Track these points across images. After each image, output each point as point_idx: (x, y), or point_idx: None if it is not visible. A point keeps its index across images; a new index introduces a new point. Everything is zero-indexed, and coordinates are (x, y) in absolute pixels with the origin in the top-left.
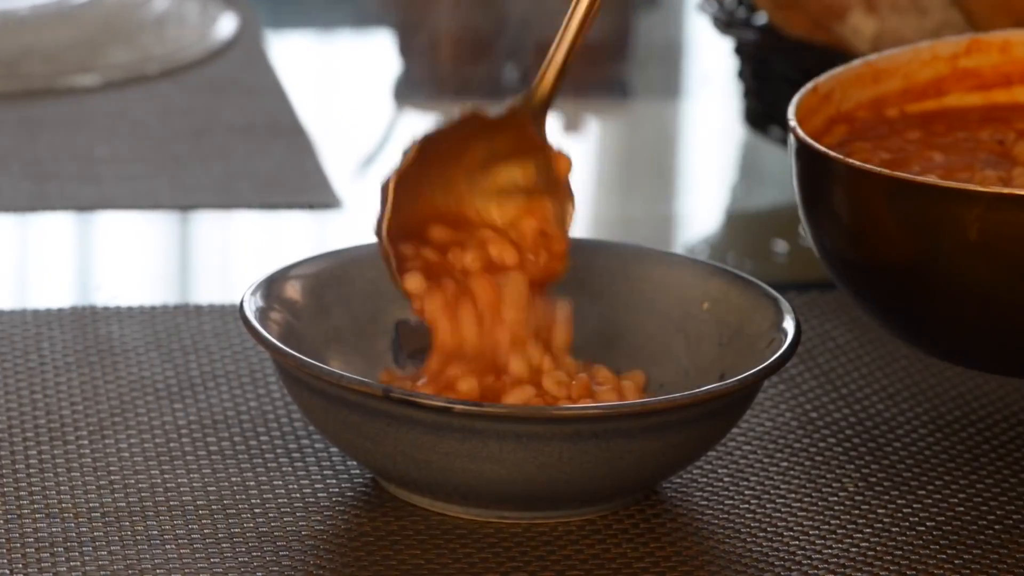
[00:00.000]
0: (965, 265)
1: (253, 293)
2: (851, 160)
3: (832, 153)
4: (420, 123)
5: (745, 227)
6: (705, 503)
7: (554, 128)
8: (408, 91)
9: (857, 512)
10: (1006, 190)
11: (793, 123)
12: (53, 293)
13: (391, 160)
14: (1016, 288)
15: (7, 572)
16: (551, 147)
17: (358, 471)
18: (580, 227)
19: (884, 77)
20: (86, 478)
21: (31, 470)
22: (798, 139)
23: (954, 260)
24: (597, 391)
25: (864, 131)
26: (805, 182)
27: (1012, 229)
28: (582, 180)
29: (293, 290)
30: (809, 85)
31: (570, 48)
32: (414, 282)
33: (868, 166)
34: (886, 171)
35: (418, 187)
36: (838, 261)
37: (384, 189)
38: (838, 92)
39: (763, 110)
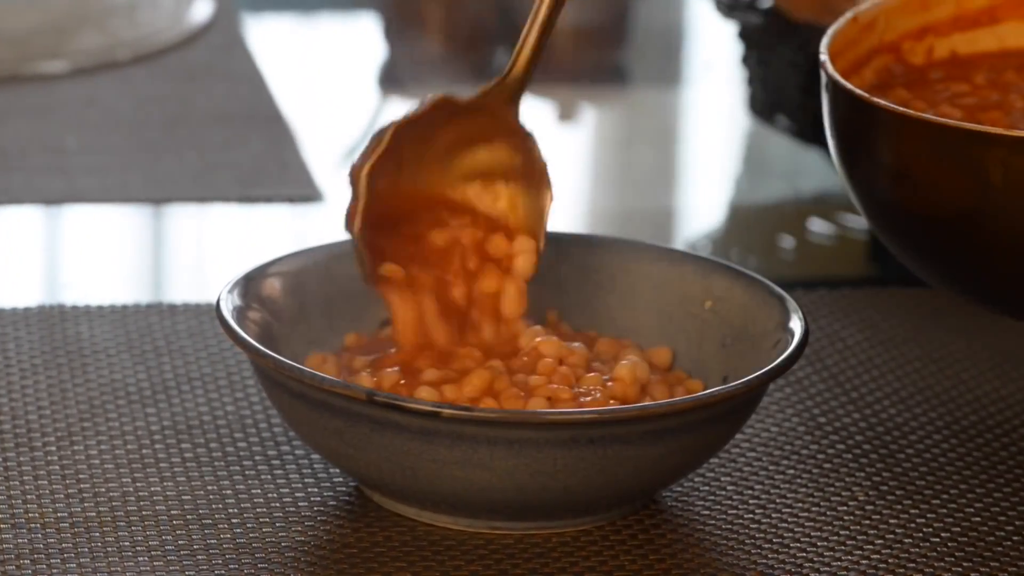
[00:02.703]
0: (1011, 210)
1: (230, 291)
2: (896, 107)
3: (878, 101)
4: (406, 111)
5: (749, 221)
6: (707, 512)
7: (535, 114)
8: (394, 78)
9: (868, 522)
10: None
11: (825, 58)
12: (19, 291)
13: (359, 148)
14: None
15: None
16: (526, 132)
17: (341, 479)
18: (575, 221)
19: (933, 3)
20: (54, 486)
21: None
22: (831, 80)
23: (999, 205)
24: (598, 367)
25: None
26: (839, 123)
27: None
28: (577, 172)
29: (272, 288)
30: (848, 15)
31: (543, 28)
32: (391, 270)
33: (912, 112)
34: (930, 116)
35: (390, 176)
36: (876, 205)
37: (354, 179)
38: (882, 21)
39: (768, 98)
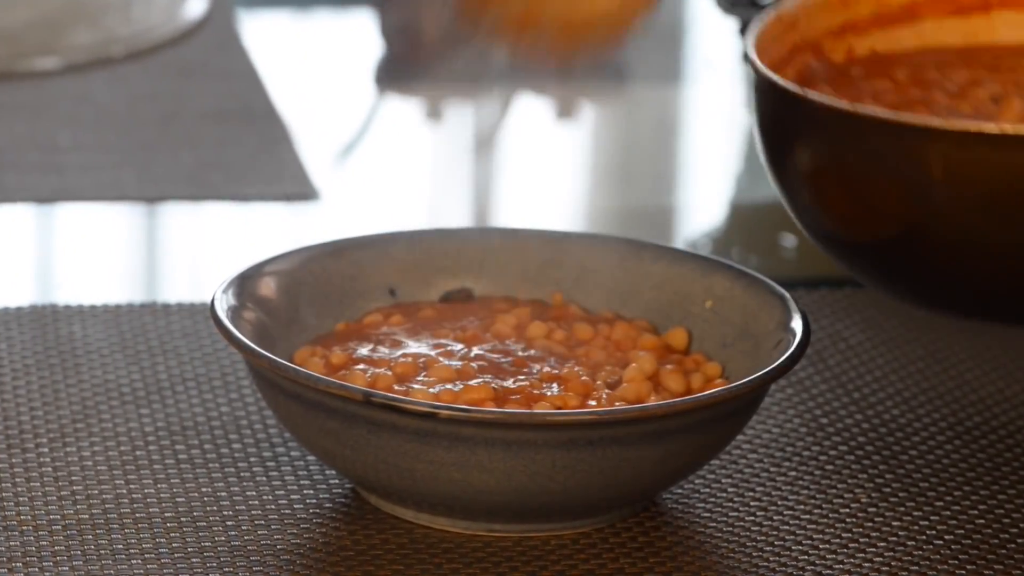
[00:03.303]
0: (954, 207)
1: (225, 291)
2: (831, 101)
3: (812, 94)
4: (403, 109)
5: (750, 220)
6: (708, 515)
7: (532, 112)
8: (390, 75)
9: (870, 525)
10: (973, 127)
11: (753, 55)
12: (11, 291)
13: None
14: (986, 230)
15: None
16: None
17: (337, 481)
18: (574, 220)
19: (853, 1)
20: (46, 488)
21: None
22: (759, 74)
23: (941, 202)
24: (609, 370)
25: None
26: (767, 120)
27: (979, 168)
28: (576, 170)
29: (267, 288)
30: (772, 12)
31: None
32: None
33: (847, 105)
34: (866, 110)
35: None
36: (808, 206)
37: None
38: (803, 19)
39: None
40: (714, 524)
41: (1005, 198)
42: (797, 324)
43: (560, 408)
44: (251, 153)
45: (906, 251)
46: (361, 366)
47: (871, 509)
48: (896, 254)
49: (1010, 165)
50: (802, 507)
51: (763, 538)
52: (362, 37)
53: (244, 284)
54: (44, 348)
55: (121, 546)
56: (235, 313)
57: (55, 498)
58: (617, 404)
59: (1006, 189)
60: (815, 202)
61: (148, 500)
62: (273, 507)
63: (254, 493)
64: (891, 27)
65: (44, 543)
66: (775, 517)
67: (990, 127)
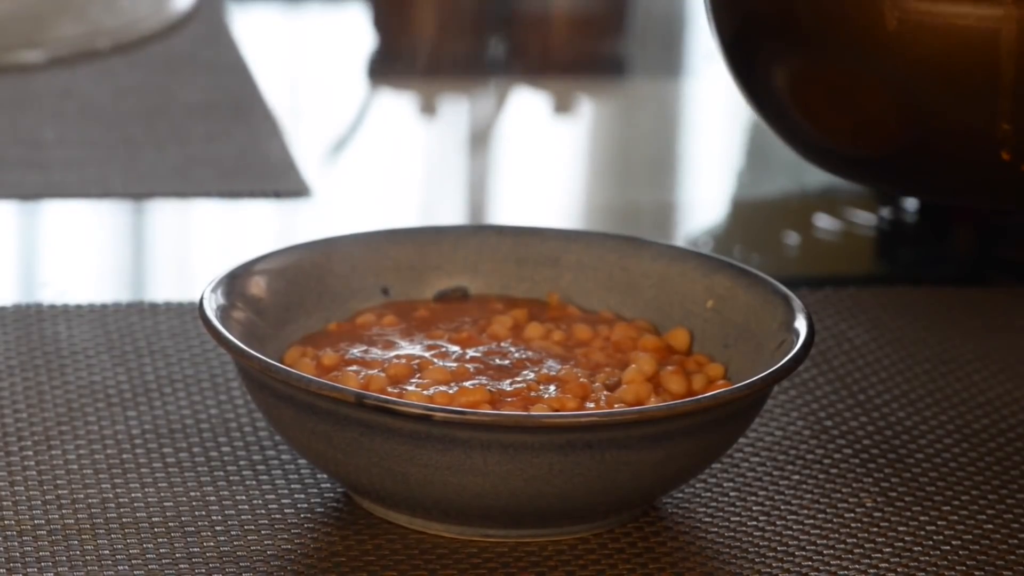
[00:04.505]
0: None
1: (214, 290)
2: None
3: None
4: (396, 103)
5: (753, 217)
6: (709, 520)
7: (530, 106)
8: (383, 68)
9: (876, 530)
10: None
11: None
12: None
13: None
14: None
15: None
16: None
17: (329, 485)
18: (572, 217)
19: None
20: (31, 492)
21: None
22: None
23: (892, 54)
24: (608, 371)
25: None
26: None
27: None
28: (575, 166)
29: (257, 287)
30: None
31: None
32: None
33: None
34: None
35: None
36: (754, 63)
37: None
38: None
39: None
40: (716, 529)
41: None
42: (801, 324)
43: (558, 410)
44: (240, 149)
45: (851, 109)
46: (353, 367)
47: (877, 514)
48: (839, 113)
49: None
50: (806, 512)
51: (766, 544)
52: (354, 29)
53: (233, 283)
54: (28, 349)
55: (107, 551)
56: (224, 313)
57: (40, 502)
58: (616, 406)
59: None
60: (764, 60)
61: (135, 504)
62: (263, 512)
63: (244, 497)
64: None
65: (28, 548)
66: (778, 522)
67: None
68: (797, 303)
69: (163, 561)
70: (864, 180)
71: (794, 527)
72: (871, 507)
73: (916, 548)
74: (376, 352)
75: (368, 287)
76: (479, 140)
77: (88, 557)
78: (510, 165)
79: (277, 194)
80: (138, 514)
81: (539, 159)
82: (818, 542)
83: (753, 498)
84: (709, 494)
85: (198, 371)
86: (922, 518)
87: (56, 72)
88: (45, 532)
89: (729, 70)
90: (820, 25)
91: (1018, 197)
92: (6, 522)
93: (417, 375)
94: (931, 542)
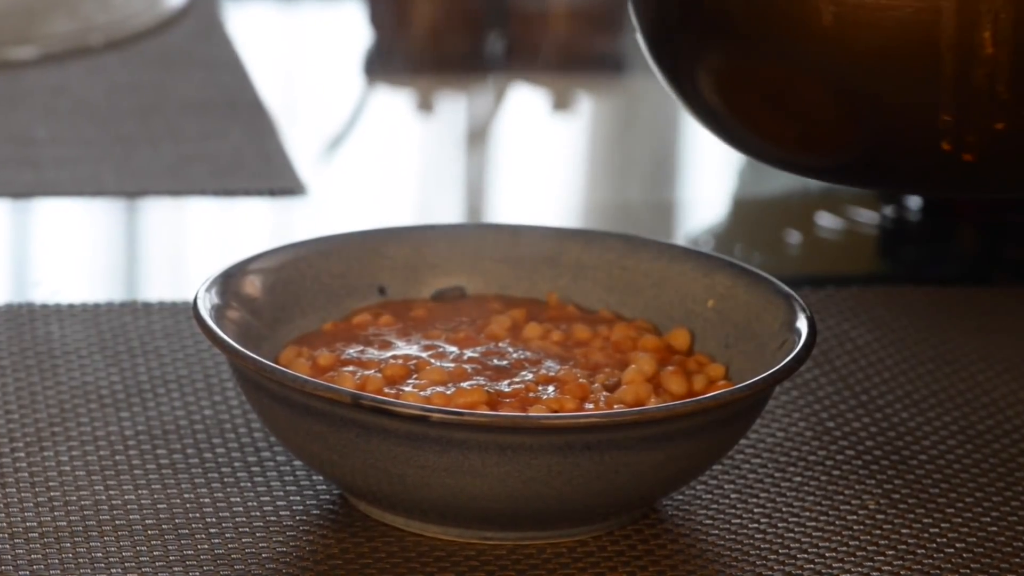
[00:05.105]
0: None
1: (208, 289)
2: None
3: None
4: (393, 100)
5: (754, 216)
6: (710, 522)
7: (528, 104)
8: (380, 65)
9: (878, 532)
10: None
11: None
12: None
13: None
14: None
15: None
16: None
17: (325, 487)
18: (571, 216)
19: None
20: (23, 494)
21: None
22: None
23: (827, 51)
24: (608, 372)
25: None
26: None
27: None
28: (573, 164)
29: (252, 286)
30: None
31: None
32: None
33: None
34: None
35: None
36: (686, 60)
37: None
38: None
39: None
40: (716, 532)
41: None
42: (802, 324)
43: (556, 411)
44: (235, 146)
45: (788, 103)
46: (349, 367)
47: (879, 516)
48: (777, 108)
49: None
50: (807, 514)
51: (767, 546)
52: (350, 25)
53: (228, 282)
54: (20, 349)
55: (100, 554)
56: (218, 312)
57: (32, 504)
58: (616, 407)
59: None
60: (698, 57)
61: (128, 507)
62: (258, 514)
63: (238, 499)
64: None
65: (20, 551)
66: (779, 524)
67: None
68: (799, 303)
69: (156, 564)
70: (810, 175)
71: (796, 529)
72: (873, 509)
73: (919, 550)
74: (372, 352)
75: (364, 286)
76: (477, 138)
77: (81, 560)
78: (508, 163)
79: (272, 192)
80: (131, 516)
81: (537, 157)
82: (820, 544)
83: (754, 500)
84: (710, 496)
85: (192, 371)
86: (925, 520)
87: (48, 69)
88: (37, 535)
89: (656, 68)
90: (752, 22)
91: (961, 186)
92: None
93: (414, 376)
94: (934, 544)
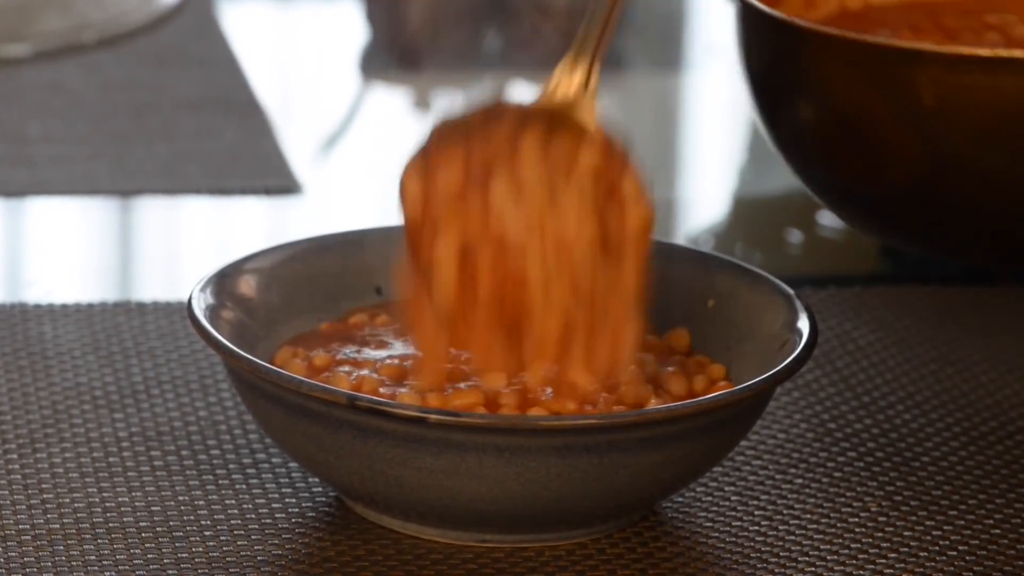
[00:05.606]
0: (944, 133)
1: (203, 289)
2: (821, 27)
3: (800, 21)
4: (389, 98)
5: (755, 214)
6: (710, 524)
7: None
8: (376, 62)
9: (881, 535)
10: (965, 50)
11: None
12: None
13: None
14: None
15: None
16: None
17: (320, 489)
18: None
19: None
20: (15, 496)
21: None
22: (747, 7)
23: (931, 128)
24: None
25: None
26: (757, 54)
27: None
28: None
29: (247, 286)
30: None
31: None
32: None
33: (838, 31)
34: (857, 35)
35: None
36: (801, 146)
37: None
38: None
39: None
40: (716, 534)
41: (999, 126)
42: (804, 324)
43: (555, 413)
44: (231, 145)
45: (895, 184)
46: (345, 368)
47: (881, 518)
48: (882, 188)
49: (1003, 90)
50: (809, 516)
51: (768, 549)
52: (346, 22)
53: (223, 282)
54: (13, 349)
55: (94, 557)
56: (213, 312)
57: (24, 507)
58: (615, 408)
59: (1000, 116)
60: (811, 142)
61: (122, 509)
62: (253, 516)
63: (233, 501)
64: None
65: (13, 554)
66: (780, 527)
67: (982, 51)
68: (800, 302)
69: (151, 567)
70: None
71: (797, 532)
72: (876, 511)
73: (922, 553)
74: (369, 352)
75: (360, 286)
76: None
77: (74, 563)
78: None
79: (268, 191)
80: (125, 518)
81: None
82: (821, 547)
83: (755, 502)
84: (710, 498)
85: (186, 372)
86: (928, 522)
87: (41, 66)
88: (30, 537)
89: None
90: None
91: None
92: None
93: (411, 376)
94: (937, 547)
